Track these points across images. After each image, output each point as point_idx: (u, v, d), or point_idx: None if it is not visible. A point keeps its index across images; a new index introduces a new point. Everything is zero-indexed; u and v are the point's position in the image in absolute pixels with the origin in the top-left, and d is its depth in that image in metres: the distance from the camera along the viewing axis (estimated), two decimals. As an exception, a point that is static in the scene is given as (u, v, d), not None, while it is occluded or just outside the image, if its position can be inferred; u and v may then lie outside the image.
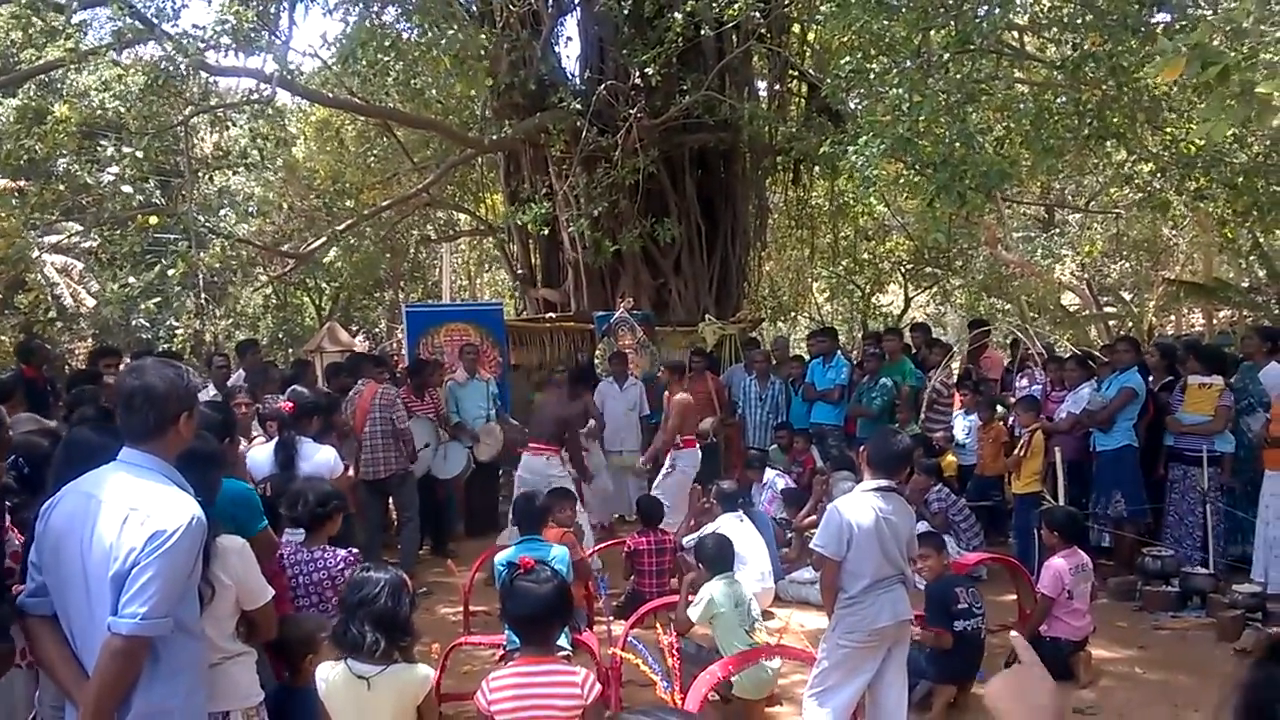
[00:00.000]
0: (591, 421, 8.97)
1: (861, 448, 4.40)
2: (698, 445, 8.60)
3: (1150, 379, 7.99)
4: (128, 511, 2.45)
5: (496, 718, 3.00)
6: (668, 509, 7.68)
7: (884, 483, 4.14)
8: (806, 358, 10.15)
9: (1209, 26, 4.37)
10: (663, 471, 8.46)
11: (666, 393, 8.78)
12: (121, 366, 7.22)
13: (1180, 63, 4.33)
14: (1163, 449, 7.68)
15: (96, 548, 2.46)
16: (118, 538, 2.43)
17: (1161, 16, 7.08)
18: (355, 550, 4.36)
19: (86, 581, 2.48)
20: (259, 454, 5.88)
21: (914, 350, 10.20)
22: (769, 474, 8.48)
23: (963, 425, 8.74)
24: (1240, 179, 8.49)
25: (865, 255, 19.72)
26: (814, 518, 6.97)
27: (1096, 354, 9.17)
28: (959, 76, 7.36)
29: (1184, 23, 5.37)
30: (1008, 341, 11.83)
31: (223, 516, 3.33)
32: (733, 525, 6.51)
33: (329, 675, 3.07)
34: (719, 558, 5.18)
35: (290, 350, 20.26)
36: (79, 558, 2.49)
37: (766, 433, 9.72)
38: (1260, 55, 4.46)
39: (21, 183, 12.76)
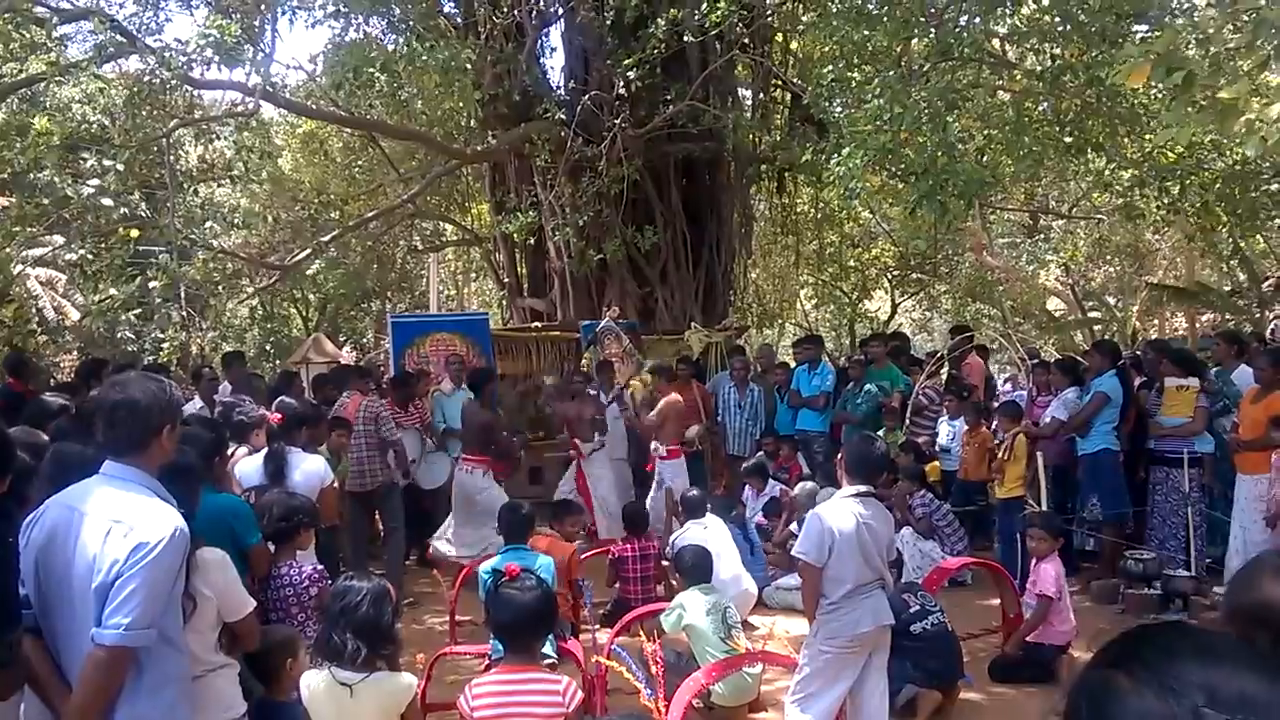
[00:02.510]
0: (598, 436, 9.04)
1: (839, 455, 4.44)
2: (682, 455, 8.64)
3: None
4: (111, 524, 2.47)
5: (479, 725, 3.02)
6: (658, 523, 7.75)
7: (863, 488, 4.17)
8: (792, 365, 10.20)
9: (1173, 33, 4.44)
10: (654, 485, 8.53)
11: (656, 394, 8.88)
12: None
13: (1145, 68, 4.40)
14: (1144, 452, 7.75)
15: (80, 560, 2.48)
16: (101, 550, 2.45)
17: (1140, 28, 7.18)
18: (321, 567, 4.33)
19: (70, 594, 2.50)
20: (247, 465, 5.87)
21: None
22: (770, 484, 8.51)
23: (947, 431, 8.79)
24: (1217, 184, 8.59)
25: (851, 262, 19.82)
26: (793, 528, 7.00)
27: (1079, 359, 9.24)
28: (940, 86, 7.44)
29: (1158, 33, 5.45)
30: (993, 346, 11.90)
31: (218, 529, 3.35)
32: (697, 533, 6.54)
33: (312, 682, 3.09)
34: (695, 568, 5.21)
35: (278, 362, 20.22)
36: (63, 570, 2.51)
37: (746, 440, 9.76)
38: (1224, 62, 4.52)
39: (3, 199, 12.72)
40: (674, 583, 5.22)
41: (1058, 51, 7.94)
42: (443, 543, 7.94)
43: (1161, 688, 0.86)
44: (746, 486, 8.66)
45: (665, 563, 6.83)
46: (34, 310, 17.38)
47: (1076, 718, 0.92)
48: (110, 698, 2.46)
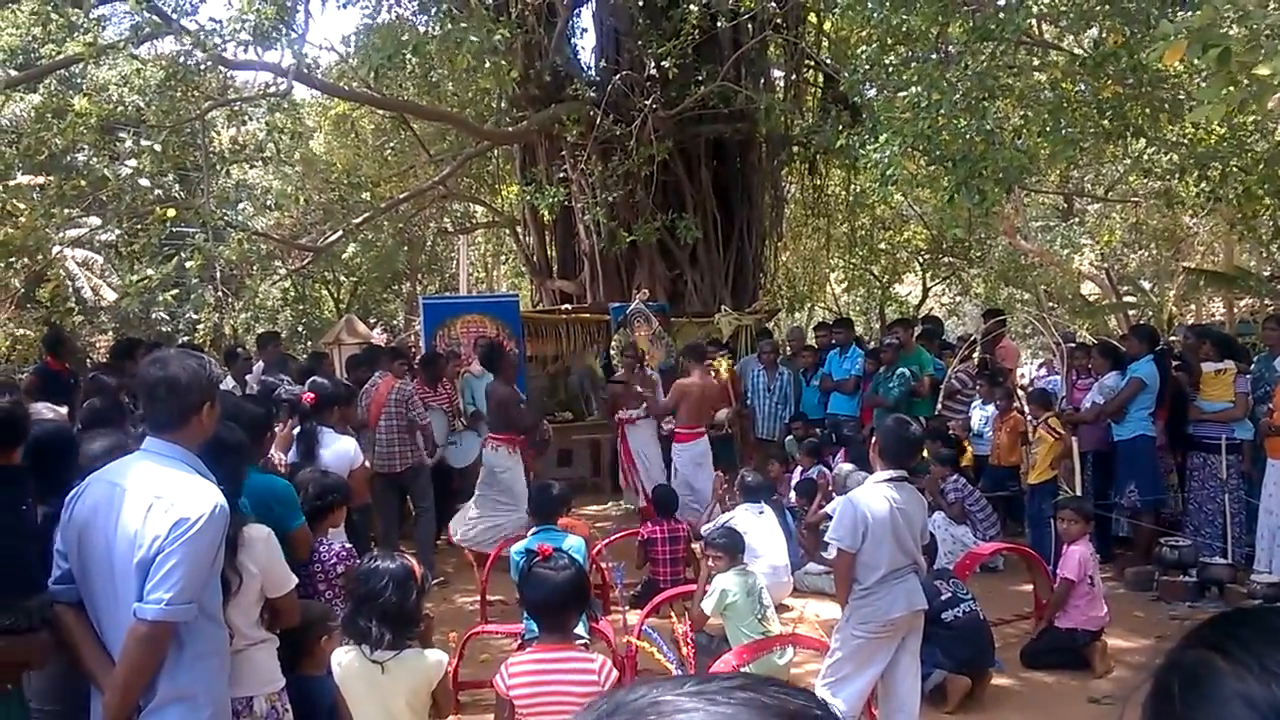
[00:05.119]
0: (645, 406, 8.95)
1: (872, 438, 4.41)
2: (700, 438, 8.49)
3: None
4: (152, 499, 2.49)
5: (515, 702, 3.04)
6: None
7: (896, 473, 4.15)
8: (817, 348, 10.17)
9: (1211, 10, 4.35)
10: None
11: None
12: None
13: (1181, 45, 4.31)
14: (1184, 438, 7.66)
15: (121, 535, 2.50)
16: (142, 525, 2.47)
17: (1183, 14, 7.02)
18: (350, 545, 4.36)
19: (112, 568, 2.53)
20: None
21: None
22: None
23: (979, 416, 8.73)
24: (1260, 166, 8.42)
25: (882, 245, 19.66)
26: (824, 511, 6.97)
27: (1116, 343, 9.14)
28: (978, 71, 7.32)
29: (1198, 11, 5.35)
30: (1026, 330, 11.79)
31: (261, 511, 3.37)
32: (749, 517, 6.52)
33: (343, 660, 3.12)
34: (729, 549, 5.21)
35: (309, 343, 20.38)
36: (104, 545, 2.54)
37: (775, 423, 9.76)
38: (1262, 38, 4.42)
39: (41, 179, 12.87)
40: (709, 565, 5.20)
41: (1094, 33, 7.80)
42: (457, 522, 7.89)
43: (1263, 671, 0.85)
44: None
45: (695, 544, 6.84)
46: (71, 290, 17.59)
47: (1167, 698, 0.91)
48: (152, 671, 2.49)
